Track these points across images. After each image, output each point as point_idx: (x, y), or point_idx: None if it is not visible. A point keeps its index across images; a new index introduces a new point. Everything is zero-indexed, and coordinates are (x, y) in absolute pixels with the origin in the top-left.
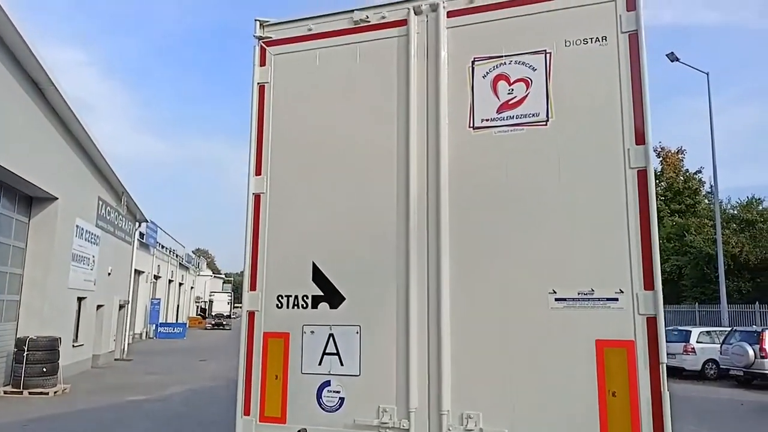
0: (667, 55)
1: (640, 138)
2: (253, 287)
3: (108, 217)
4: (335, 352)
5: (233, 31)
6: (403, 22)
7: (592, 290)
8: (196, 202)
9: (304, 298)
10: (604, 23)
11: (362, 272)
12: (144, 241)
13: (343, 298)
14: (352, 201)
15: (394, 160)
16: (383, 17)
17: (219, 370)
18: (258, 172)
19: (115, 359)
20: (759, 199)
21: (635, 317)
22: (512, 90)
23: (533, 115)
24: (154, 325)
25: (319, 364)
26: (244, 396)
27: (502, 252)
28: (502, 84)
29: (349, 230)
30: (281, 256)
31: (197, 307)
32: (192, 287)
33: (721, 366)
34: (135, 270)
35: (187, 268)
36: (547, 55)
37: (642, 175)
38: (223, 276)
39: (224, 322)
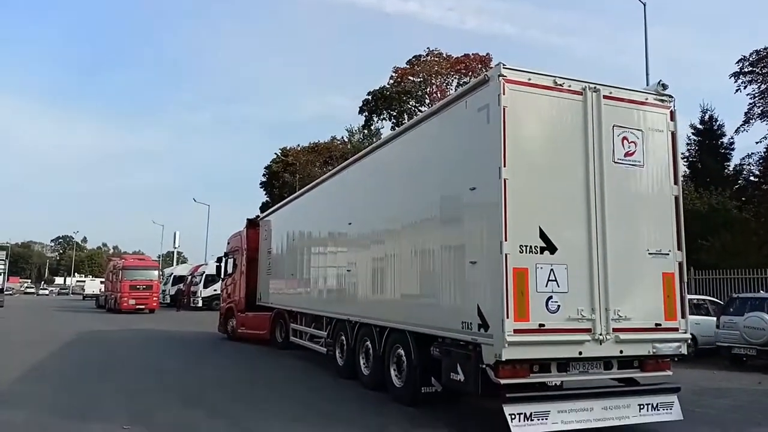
0: None
1: (675, 181)
2: (506, 239)
3: None
4: (554, 279)
5: None
6: (580, 93)
7: (660, 249)
8: None
9: (535, 247)
10: (660, 123)
11: (565, 234)
12: None
13: (556, 248)
14: (559, 192)
15: (582, 170)
16: (570, 86)
17: None
18: (504, 164)
19: None
20: None
21: (674, 262)
22: (630, 146)
23: (639, 162)
24: None
25: (546, 286)
26: (505, 306)
27: (630, 228)
28: (626, 142)
29: (558, 209)
30: (520, 219)
31: None
32: None
33: (718, 343)
34: None
35: None
36: (642, 132)
37: (676, 199)
38: None
39: None
